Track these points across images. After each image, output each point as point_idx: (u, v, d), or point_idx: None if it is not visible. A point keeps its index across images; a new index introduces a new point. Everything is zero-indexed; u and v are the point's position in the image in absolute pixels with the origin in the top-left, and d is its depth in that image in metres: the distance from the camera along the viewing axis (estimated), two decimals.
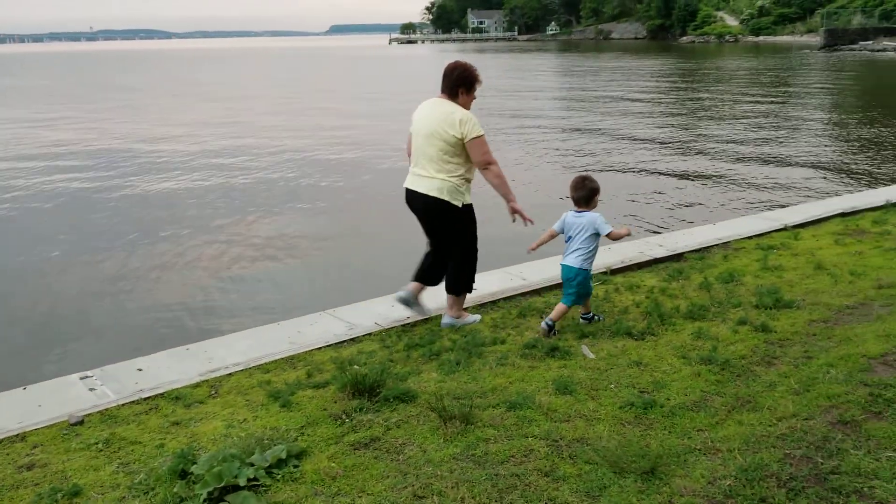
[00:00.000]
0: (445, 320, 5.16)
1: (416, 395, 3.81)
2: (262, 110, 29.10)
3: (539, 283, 5.97)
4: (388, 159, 16.46)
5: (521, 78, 45.27)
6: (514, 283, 5.99)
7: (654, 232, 9.40)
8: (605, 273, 6.11)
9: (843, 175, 14.00)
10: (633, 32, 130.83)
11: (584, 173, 5.32)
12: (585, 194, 4.83)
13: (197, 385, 4.27)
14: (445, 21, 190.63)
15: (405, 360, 4.49)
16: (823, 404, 3.46)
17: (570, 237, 4.85)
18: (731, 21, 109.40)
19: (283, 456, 3.11)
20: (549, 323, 4.73)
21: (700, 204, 12.03)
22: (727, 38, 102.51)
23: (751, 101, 27.67)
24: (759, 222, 7.93)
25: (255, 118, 26.09)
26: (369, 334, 5.04)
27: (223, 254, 9.50)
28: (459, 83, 4.94)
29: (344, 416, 3.58)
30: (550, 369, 4.13)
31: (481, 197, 5.30)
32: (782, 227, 7.57)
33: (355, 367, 3.99)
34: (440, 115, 4.88)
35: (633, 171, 14.95)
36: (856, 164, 15.12)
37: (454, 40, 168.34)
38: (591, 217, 4.78)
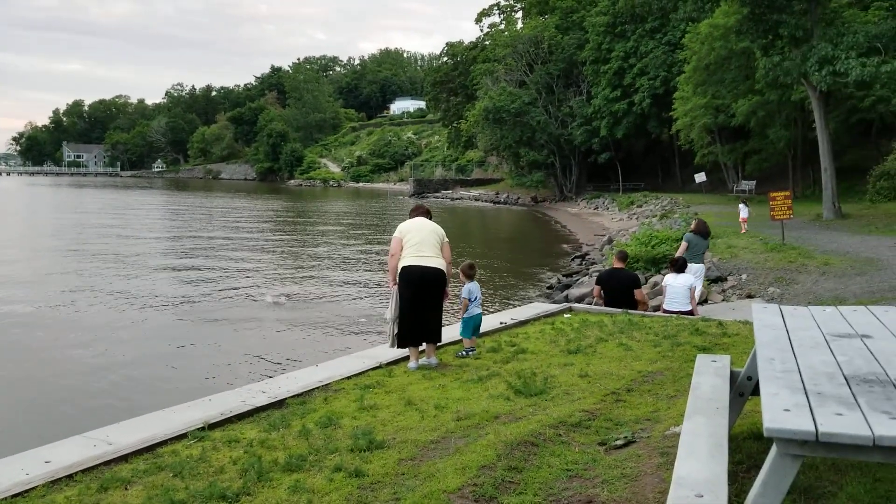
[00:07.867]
0: (433, 361, 7.74)
1: None
2: None
3: (128, 446, 5.38)
4: None
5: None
6: (97, 451, 5.32)
7: (255, 380, 9.23)
8: (201, 429, 5.73)
9: None
10: (242, 174, 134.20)
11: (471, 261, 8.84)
12: (476, 272, 8.66)
13: None
14: (37, 153, 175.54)
15: None
16: None
17: (475, 297, 8.39)
18: (334, 168, 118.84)
19: None
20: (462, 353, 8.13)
21: (302, 346, 12.27)
22: (331, 182, 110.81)
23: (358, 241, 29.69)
24: (357, 361, 8.23)
25: None
26: None
27: None
28: (428, 213, 8.15)
29: None
30: None
31: None
32: (378, 364, 7.96)
33: None
34: (431, 225, 7.94)
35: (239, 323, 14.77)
36: None
37: (47, 174, 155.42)
38: (477, 285, 8.55)
